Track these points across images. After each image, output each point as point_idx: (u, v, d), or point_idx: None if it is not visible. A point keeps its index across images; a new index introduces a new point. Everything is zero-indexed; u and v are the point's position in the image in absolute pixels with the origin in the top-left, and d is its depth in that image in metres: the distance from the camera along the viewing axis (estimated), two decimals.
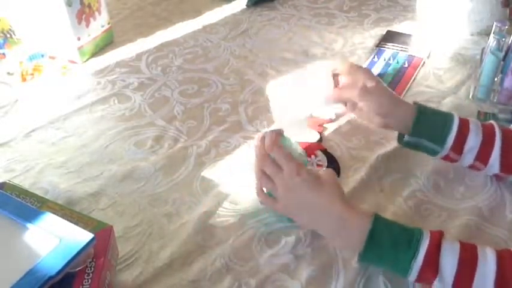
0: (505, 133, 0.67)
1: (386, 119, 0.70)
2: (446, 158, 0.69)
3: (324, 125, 0.85)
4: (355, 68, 0.72)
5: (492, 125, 0.68)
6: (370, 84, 0.69)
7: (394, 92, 0.72)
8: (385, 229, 0.56)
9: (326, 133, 0.83)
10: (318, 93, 0.73)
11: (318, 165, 0.77)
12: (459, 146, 0.66)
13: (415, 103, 0.69)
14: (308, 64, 1.03)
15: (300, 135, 0.79)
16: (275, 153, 0.62)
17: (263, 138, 0.65)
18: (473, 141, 0.66)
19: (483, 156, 0.66)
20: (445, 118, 0.68)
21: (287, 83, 0.75)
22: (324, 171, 0.62)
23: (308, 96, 0.74)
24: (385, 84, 0.71)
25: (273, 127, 0.85)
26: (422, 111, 0.68)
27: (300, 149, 0.69)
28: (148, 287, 0.59)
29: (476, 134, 0.66)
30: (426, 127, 0.68)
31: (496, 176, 0.69)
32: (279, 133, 0.65)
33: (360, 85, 0.69)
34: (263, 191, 0.65)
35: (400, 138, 0.72)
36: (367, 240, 0.55)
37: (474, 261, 0.52)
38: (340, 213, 0.57)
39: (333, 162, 0.77)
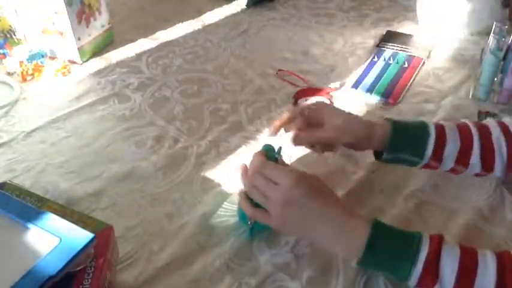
0: (481, 131, 0.66)
1: (358, 140, 0.68)
2: (426, 166, 0.68)
3: (331, 93, 0.92)
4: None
5: (467, 125, 0.67)
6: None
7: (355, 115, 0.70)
8: (384, 235, 0.55)
9: None
10: None
11: None
12: (438, 153, 0.66)
13: (386, 119, 0.68)
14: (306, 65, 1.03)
15: None
16: (268, 169, 0.59)
17: (245, 168, 0.63)
18: (451, 147, 0.65)
19: (463, 159, 0.66)
20: (420, 129, 0.67)
21: None
22: (317, 180, 0.61)
23: None
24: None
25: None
26: (396, 126, 0.67)
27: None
28: (148, 287, 0.59)
29: (455, 139, 0.66)
30: (403, 141, 0.66)
31: (476, 174, 0.68)
32: (263, 152, 0.63)
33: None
34: (250, 207, 0.62)
35: (377, 155, 0.71)
36: (366, 246, 0.54)
37: (474, 268, 0.51)
38: (340, 219, 0.57)
39: None
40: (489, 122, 0.68)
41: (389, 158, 0.67)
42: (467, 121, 0.68)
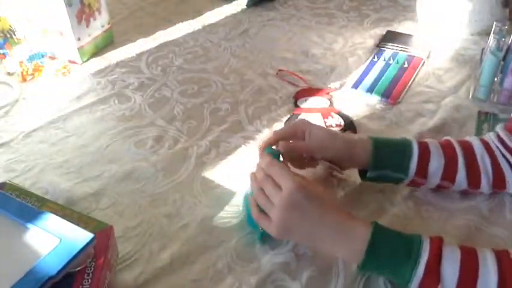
0: (464, 148, 0.67)
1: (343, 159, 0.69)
2: (412, 183, 0.68)
3: (331, 93, 0.93)
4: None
5: (450, 142, 0.68)
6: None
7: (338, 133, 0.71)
8: (384, 239, 0.55)
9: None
10: None
11: (337, 125, 0.85)
12: (423, 170, 0.66)
13: (368, 137, 0.68)
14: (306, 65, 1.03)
15: None
16: (272, 171, 0.60)
17: (255, 175, 0.63)
18: (436, 163, 0.66)
19: (449, 175, 0.66)
20: (402, 145, 0.67)
21: None
22: (317, 184, 0.61)
23: None
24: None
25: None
26: (377, 144, 0.67)
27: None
28: (148, 287, 0.59)
29: (438, 156, 0.66)
30: (386, 159, 0.67)
31: (465, 191, 0.69)
32: (270, 153, 0.64)
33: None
34: (257, 211, 0.62)
35: (362, 174, 0.70)
36: (367, 250, 0.55)
37: (476, 269, 0.52)
38: (341, 224, 0.57)
39: (349, 122, 0.86)
40: (472, 140, 0.69)
41: (373, 176, 0.68)
42: (450, 138, 0.69)
